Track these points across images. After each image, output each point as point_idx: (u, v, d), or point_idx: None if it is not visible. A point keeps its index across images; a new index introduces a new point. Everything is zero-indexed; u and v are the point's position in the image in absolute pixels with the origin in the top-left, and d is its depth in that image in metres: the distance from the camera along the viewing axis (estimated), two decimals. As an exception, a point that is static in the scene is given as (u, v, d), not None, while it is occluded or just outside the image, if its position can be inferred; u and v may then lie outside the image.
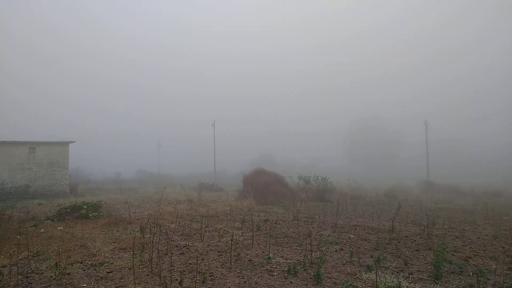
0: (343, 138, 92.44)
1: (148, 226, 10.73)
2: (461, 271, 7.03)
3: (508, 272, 7.06)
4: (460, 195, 31.36)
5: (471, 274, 6.75)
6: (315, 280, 6.29)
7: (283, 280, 6.43)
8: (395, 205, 18.56)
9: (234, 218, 13.83)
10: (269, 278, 6.53)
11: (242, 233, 10.84)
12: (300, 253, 8.33)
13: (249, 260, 7.75)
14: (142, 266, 7.20)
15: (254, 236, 9.88)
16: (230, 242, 8.09)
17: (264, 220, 13.53)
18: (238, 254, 8.24)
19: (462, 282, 6.33)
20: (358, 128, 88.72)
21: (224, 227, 12.01)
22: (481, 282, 6.30)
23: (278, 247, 9.02)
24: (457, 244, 9.74)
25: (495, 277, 6.60)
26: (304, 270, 7.00)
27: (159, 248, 8.13)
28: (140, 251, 8.14)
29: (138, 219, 13.37)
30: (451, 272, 6.97)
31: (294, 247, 9.08)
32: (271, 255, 8.00)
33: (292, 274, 6.71)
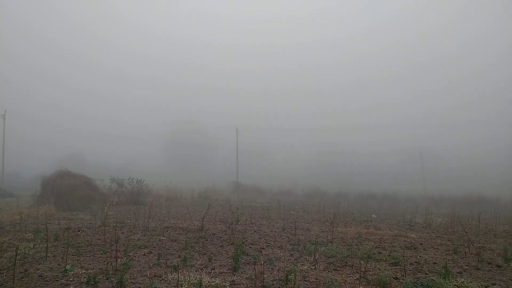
0: (163, 140, 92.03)
1: None
2: (255, 261, 7.98)
3: (290, 257, 8.48)
4: (261, 193, 36.02)
5: (262, 262, 7.75)
6: (117, 288, 5.93)
7: (80, 293, 5.80)
8: (207, 206, 19.65)
9: (25, 228, 11.68)
10: (62, 294, 5.77)
11: (34, 245, 9.26)
12: (105, 261, 7.73)
13: (39, 276, 6.67)
14: None
15: (49, 248, 8.58)
16: (14, 257, 6.75)
17: (65, 228, 11.97)
18: (26, 270, 6.98)
19: (255, 271, 7.19)
20: (178, 130, 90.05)
21: (9, 239, 9.98)
22: (268, 269, 7.34)
23: (79, 257, 8.11)
24: (255, 237, 11.07)
25: (279, 263, 7.80)
26: (107, 278, 6.52)
27: None
28: None
29: None
30: (247, 263, 7.82)
31: (98, 256, 8.37)
32: (68, 267, 7.11)
33: (91, 284, 6.13)
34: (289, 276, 6.46)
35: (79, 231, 11.58)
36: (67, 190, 19.89)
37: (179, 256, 8.30)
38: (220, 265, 7.67)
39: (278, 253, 8.77)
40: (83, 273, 6.87)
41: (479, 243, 10.93)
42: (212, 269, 7.32)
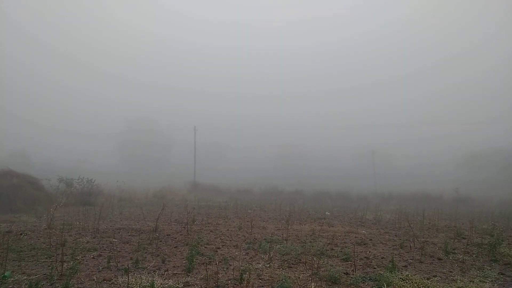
0: (118, 138, 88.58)
1: None
2: (211, 261, 7.91)
3: (245, 256, 8.51)
4: (220, 193, 35.86)
5: (217, 262, 7.70)
6: (62, 294, 5.62)
7: (20, 301, 5.42)
8: (162, 206, 19.19)
9: (-42, 233, 10.72)
10: (0, 303, 5.36)
11: (-32, 251, 8.52)
12: (49, 266, 7.29)
13: (-27, 285, 6.15)
14: None
15: (-15, 253, 7.94)
16: None
17: (6, 231, 11.14)
18: (-43, 280, 6.40)
19: (210, 271, 7.13)
20: (133, 128, 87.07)
21: None
22: (223, 269, 7.31)
23: (20, 263, 7.58)
24: (211, 237, 10.97)
25: (234, 262, 7.79)
26: (51, 284, 6.15)
27: None
28: None
29: None
30: (202, 263, 7.73)
31: (42, 260, 7.87)
32: (7, 273, 6.62)
33: (33, 292, 5.76)
34: (244, 275, 6.48)
35: (21, 234, 10.83)
36: (9, 191, 18.53)
37: (131, 259, 8.03)
38: (174, 266, 7.52)
39: (234, 252, 8.77)
40: (25, 279, 6.44)
41: (423, 237, 11.62)
42: (165, 271, 7.15)
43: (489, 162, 69.34)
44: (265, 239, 10.41)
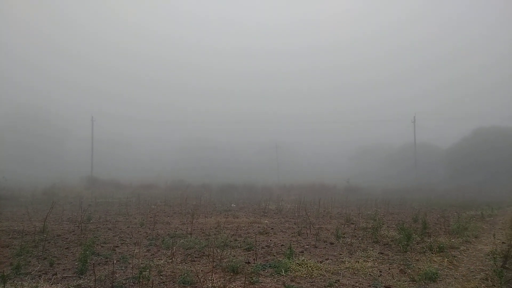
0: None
1: None
2: (107, 261, 7.40)
3: (146, 253, 8.17)
4: (121, 188, 33.82)
5: (115, 261, 7.24)
6: None
7: None
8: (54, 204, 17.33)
9: None
10: None
11: None
12: None
13: None
14: None
15: None
16: None
17: None
18: None
19: (106, 271, 6.66)
20: (18, 116, 76.22)
21: None
22: (122, 268, 6.91)
23: None
24: (109, 235, 10.27)
25: (134, 260, 7.41)
26: None
27: None
28: None
29: None
30: (98, 264, 7.18)
31: None
32: None
33: None
34: (144, 273, 6.20)
35: None
36: None
37: (11, 264, 7.05)
38: (64, 269, 6.84)
39: (134, 250, 8.34)
40: None
41: (318, 224, 12.62)
42: (53, 275, 6.46)
43: (376, 156, 78.77)
44: (168, 235, 10.15)
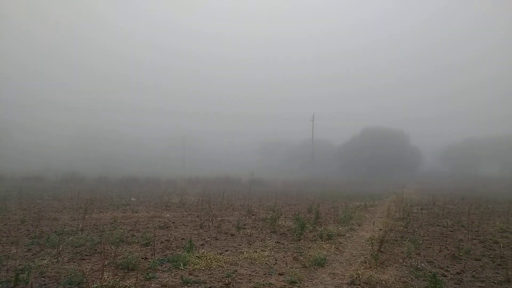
0: None
1: None
2: (-26, 265, 6.37)
3: (27, 253, 7.26)
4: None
5: (-16, 265, 6.27)
6: None
7: None
8: None
9: None
10: None
11: None
12: None
13: None
14: None
15: None
16: None
17: None
18: None
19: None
20: None
21: None
22: (-7, 271, 6.02)
23: None
24: (-21, 235, 8.85)
25: (11, 261, 6.52)
26: None
27: None
28: None
29: None
30: (-39, 269, 6.13)
31: None
32: None
33: None
34: (21, 275, 5.50)
35: None
36: None
37: None
38: None
39: (11, 250, 7.33)
40: None
41: (221, 217, 12.76)
42: None
43: (278, 151, 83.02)
44: (55, 232, 9.18)
